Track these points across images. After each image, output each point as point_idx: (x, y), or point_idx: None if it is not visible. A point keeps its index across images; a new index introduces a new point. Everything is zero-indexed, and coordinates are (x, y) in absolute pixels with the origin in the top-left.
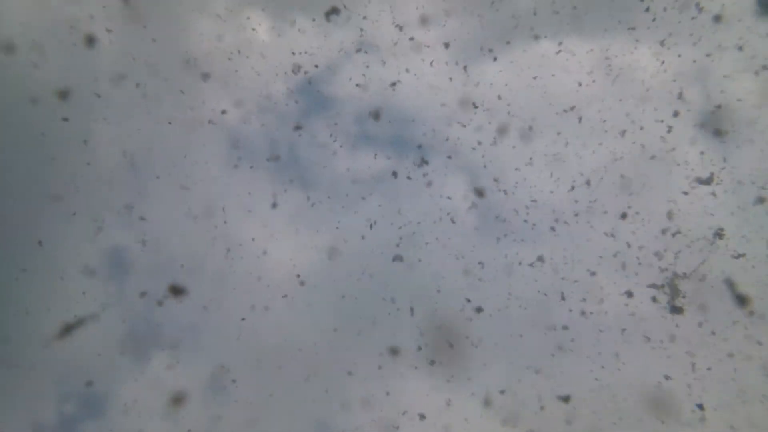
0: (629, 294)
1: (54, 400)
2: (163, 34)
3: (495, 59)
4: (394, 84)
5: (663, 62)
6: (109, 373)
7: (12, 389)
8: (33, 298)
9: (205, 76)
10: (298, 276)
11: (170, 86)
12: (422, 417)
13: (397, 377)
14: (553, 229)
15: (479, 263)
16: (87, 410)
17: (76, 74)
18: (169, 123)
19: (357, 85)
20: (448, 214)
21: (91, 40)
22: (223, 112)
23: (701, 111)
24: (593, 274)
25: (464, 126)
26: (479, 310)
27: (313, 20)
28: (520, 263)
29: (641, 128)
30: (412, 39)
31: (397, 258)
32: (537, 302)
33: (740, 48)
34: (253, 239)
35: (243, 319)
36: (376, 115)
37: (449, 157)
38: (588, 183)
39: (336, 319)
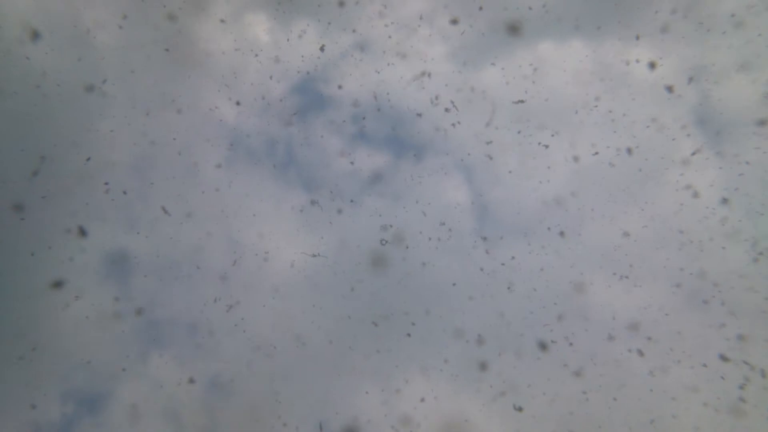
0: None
1: (54, 399)
2: (165, 37)
3: (494, 58)
4: (392, 83)
5: (663, 61)
6: (109, 372)
7: (12, 389)
8: (34, 296)
9: (206, 77)
10: (298, 273)
11: (170, 87)
12: (425, 415)
13: (399, 372)
14: (550, 228)
15: (478, 261)
16: (87, 409)
17: (77, 75)
18: (169, 124)
19: (355, 84)
20: (446, 212)
21: (93, 41)
22: (224, 112)
23: (701, 111)
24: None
25: (464, 125)
26: (478, 309)
27: (312, 20)
28: (517, 259)
29: (640, 128)
30: (411, 38)
31: (396, 255)
32: (534, 302)
33: (744, 47)
34: (252, 238)
35: (242, 319)
36: (374, 114)
37: (446, 155)
38: (586, 182)
39: (337, 316)
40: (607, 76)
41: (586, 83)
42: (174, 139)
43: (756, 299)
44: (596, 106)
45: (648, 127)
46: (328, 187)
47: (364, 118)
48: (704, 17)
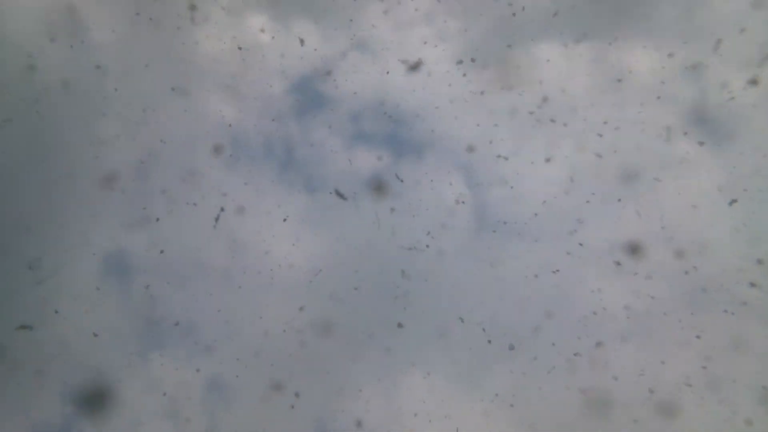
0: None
1: (54, 399)
2: (164, 35)
3: (494, 59)
4: (391, 83)
5: (662, 62)
6: (109, 372)
7: (12, 389)
8: (36, 295)
9: (206, 78)
10: (301, 274)
11: (170, 88)
12: (422, 415)
13: (400, 374)
14: (548, 226)
15: (477, 261)
16: (86, 409)
17: (77, 74)
18: (169, 125)
19: (354, 83)
20: (447, 212)
21: (92, 41)
22: (223, 112)
23: (701, 109)
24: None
25: (462, 125)
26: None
27: (312, 20)
28: (516, 259)
29: (640, 128)
30: (409, 38)
31: (396, 255)
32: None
33: (740, 44)
34: (253, 238)
35: (243, 316)
36: (373, 113)
37: (446, 155)
38: (584, 183)
39: (339, 317)
40: (610, 76)
41: (588, 83)
42: (173, 139)
43: (758, 301)
44: (597, 107)
45: (650, 127)
46: (327, 186)
47: (366, 117)
48: (707, 17)
